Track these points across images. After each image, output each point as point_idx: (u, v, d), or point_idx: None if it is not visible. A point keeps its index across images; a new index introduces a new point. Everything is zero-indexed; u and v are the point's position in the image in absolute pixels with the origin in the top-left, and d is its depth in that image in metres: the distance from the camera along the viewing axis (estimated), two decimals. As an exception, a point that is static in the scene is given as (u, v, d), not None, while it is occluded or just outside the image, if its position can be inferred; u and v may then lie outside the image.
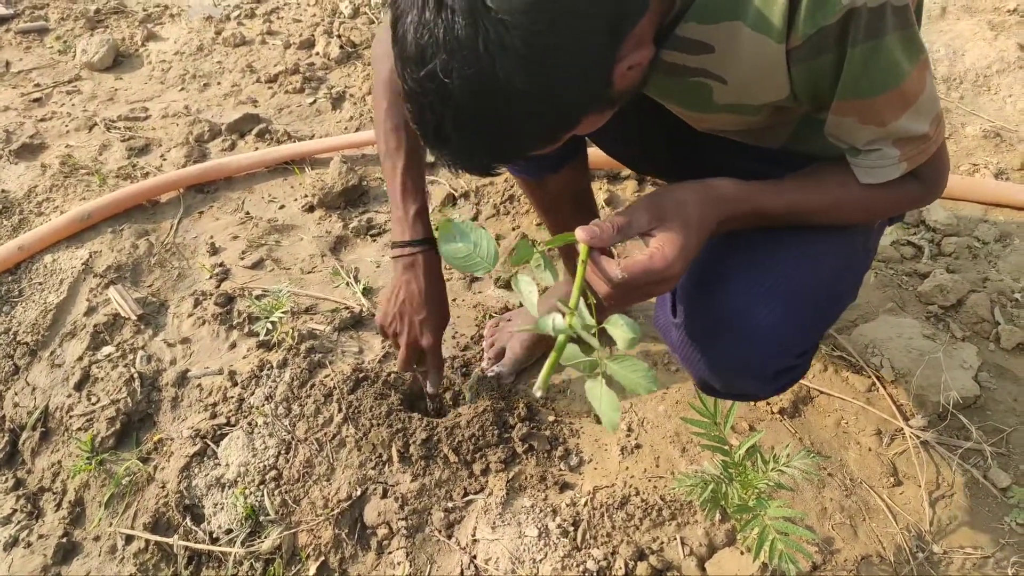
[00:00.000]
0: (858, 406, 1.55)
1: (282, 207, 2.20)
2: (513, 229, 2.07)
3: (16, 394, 1.82)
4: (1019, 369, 1.61)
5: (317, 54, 2.82)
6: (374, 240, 2.09)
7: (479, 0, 0.72)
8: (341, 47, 2.79)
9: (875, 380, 1.58)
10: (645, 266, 0.90)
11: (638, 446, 1.52)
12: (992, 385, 1.58)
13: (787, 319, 1.05)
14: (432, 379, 1.50)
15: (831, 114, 0.96)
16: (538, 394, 0.87)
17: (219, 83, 2.73)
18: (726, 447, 1.25)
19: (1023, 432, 1.50)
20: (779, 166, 1.11)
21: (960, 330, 1.69)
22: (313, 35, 2.90)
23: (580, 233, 0.90)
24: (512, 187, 2.14)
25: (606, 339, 0.87)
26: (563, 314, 0.87)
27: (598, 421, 1.58)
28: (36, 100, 2.68)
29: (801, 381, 1.60)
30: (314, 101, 2.61)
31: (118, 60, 2.87)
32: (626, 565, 1.33)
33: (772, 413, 1.57)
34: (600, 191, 2.12)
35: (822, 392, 1.59)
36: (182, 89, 2.71)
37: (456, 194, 2.18)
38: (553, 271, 0.95)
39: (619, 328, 0.86)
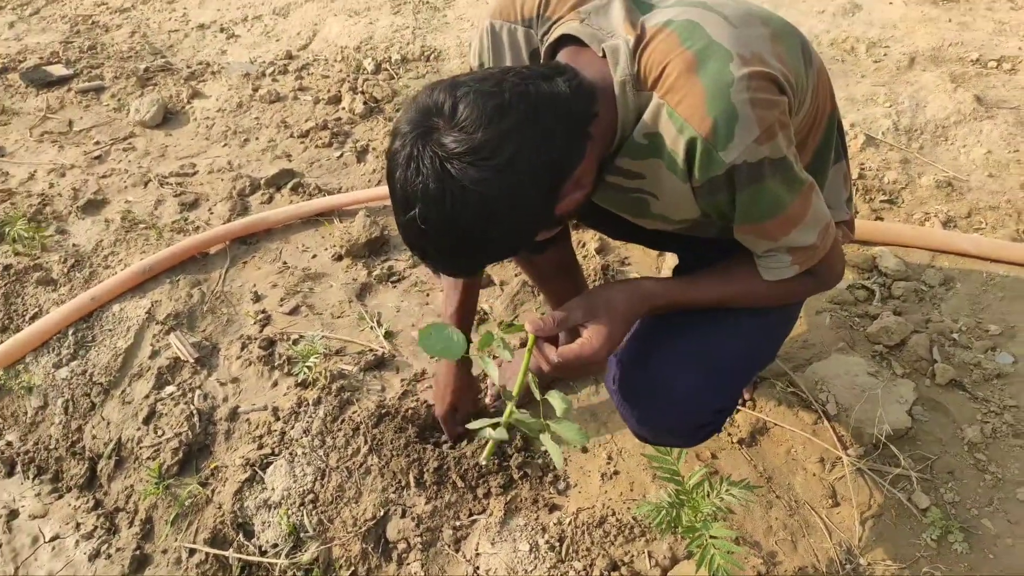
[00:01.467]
0: (805, 437, 1.81)
1: (314, 256, 2.51)
2: (515, 275, 2.35)
3: (93, 427, 2.15)
4: (950, 403, 1.86)
5: (343, 109, 3.13)
6: (394, 286, 2.38)
7: (445, 169, 1.01)
8: (365, 103, 3.10)
9: (821, 414, 1.84)
10: (576, 353, 1.19)
11: (616, 472, 1.80)
12: (925, 418, 1.83)
13: (702, 385, 1.32)
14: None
15: (735, 231, 1.23)
16: (483, 462, 1.19)
17: (257, 138, 3.05)
18: (679, 478, 1.52)
19: (946, 459, 1.75)
20: (718, 243, 1.39)
21: (901, 367, 1.94)
22: (340, 91, 3.21)
23: (528, 325, 1.19)
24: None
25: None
26: (494, 426, 1.18)
27: (584, 450, 1.86)
28: (96, 157, 3.03)
29: (757, 414, 1.87)
30: (341, 155, 2.92)
31: (167, 117, 3.21)
32: (601, 575, 1.61)
33: (732, 443, 1.84)
34: (592, 239, 2.40)
35: (776, 424, 1.85)
36: (225, 145, 3.04)
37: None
38: (509, 350, 1.25)
39: (556, 400, 1.17)
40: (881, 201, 2.38)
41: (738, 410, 1.89)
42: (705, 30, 1.12)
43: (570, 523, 1.71)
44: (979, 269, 2.13)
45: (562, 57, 1.21)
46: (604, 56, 1.15)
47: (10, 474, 2.17)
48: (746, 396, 1.92)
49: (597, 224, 1.78)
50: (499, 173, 1.01)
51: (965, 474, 1.71)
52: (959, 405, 1.84)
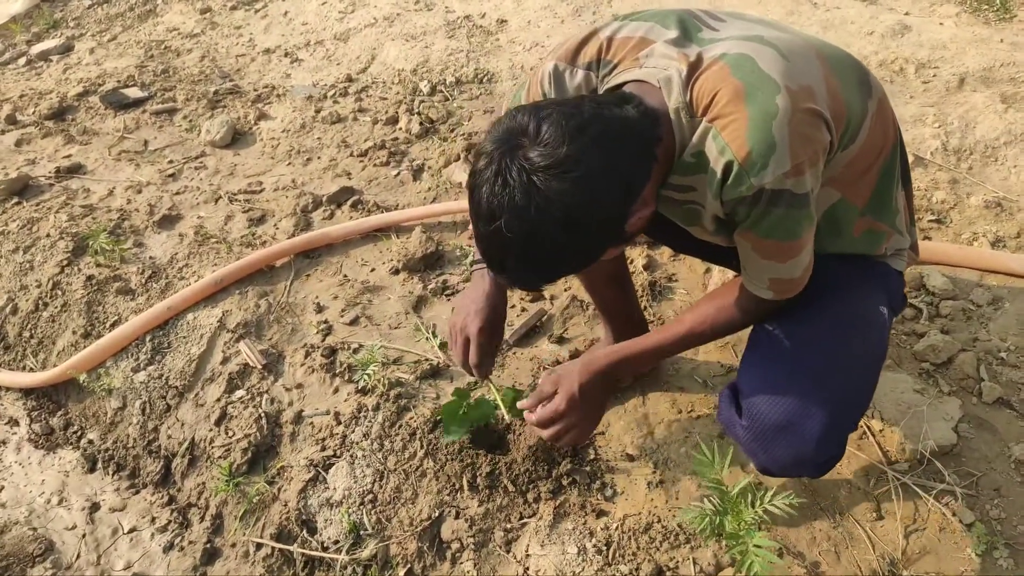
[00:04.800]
0: (850, 451, 1.85)
1: (373, 270, 2.63)
2: (565, 290, 2.43)
3: (168, 428, 2.29)
4: (997, 421, 1.87)
5: (400, 129, 3.27)
6: (448, 299, 2.49)
7: (531, 181, 1.12)
8: (421, 123, 3.23)
9: (866, 429, 1.88)
10: (545, 415, 1.51)
11: (662, 482, 1.86)
12: (971, 435, 1.85)
13: (833, 421, 1.37)
14: (478, 368, 1.68)
15: (735, 232, 1.33)
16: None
17: (319, 158, 3.21)
18: (723, 487, 1.58)
19: (992, 476, 1.77)
20: None
21: (947, 385, 1.96)
22: (397, 112, 3.35)
23: (520, 403, 1.58)
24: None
25: None
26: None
27: (630, 460, 1.93)
28: (171, 175, 3.21)
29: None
30: (398, 173, 3.05)
31: (235, 138, 3.39)
32: (646, 578, 1.67)
33: (777, 456, 1.88)
34: (640, 256, 2.47)
35: (821, 438, 1.89)
36: (289, 164, 3.20)
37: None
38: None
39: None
40: (929, 221, 2.40)
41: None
42: (757, 63, 1.21)
43: (617, 528, 1.77)
44: (1028, 289, 2.14)
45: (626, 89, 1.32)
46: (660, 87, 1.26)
47: (91, 470, 2.32)
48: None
49: (659, 236, 1.86)
50: (580, 185, 1.12)
51: (1012, 491, 1.73)
52: (1006, 423, 1.86)
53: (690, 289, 2.37)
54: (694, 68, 1.25)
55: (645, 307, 2.30)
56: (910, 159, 2.61)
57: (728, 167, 1.20)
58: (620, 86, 1.33)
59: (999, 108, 2.66)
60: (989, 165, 2.54)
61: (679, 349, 1.54)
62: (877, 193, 1.43)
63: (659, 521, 1.78)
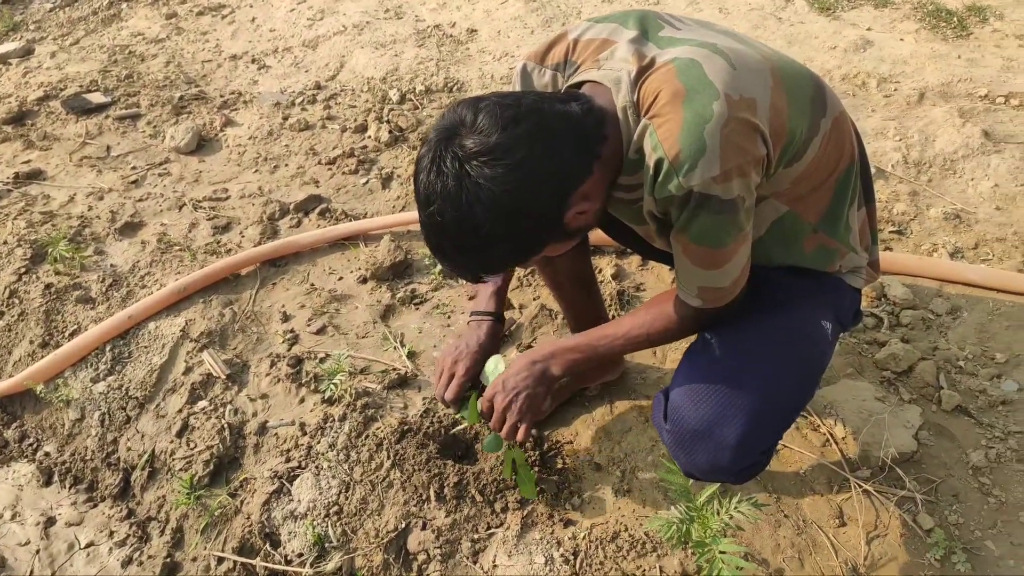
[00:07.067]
0: (813, 459, 1.87)
1: (340, 279, 2.61)
2: (534, 299, 2.43)
3: (128, 440, 2.24)
4: (956, 428, 1.91)
5: (369, 138, 3.25)
6: (417, 308, 2.47)
7: (464, 169, 1.16)
8: (390, 132, 3.22)
9: (829, 437, 1.90)
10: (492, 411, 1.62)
11: (629, 490, 1.86)
12: (930, 442, 1.88)
13: (751, 430, 1.38)
14: (454, 403, 1.80)
15: (671, 235, 1.34)
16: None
17: (287, 165, 3.18)
18: (690, 495, 1.59)
19: (951, 483, 1.80)
20: None
21: (908, 393, 1.99)
22: (366, 120, 3.34)
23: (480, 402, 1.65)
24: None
25: None
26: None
27: (598, 469, 1.93)
28: (133, 182, 3.16)
29: (767, 437, 1.93)
30: (367, 181, 3.03)
31: (201, 144, 3.35)
32: (613, 588, 1.67)
33: (742, 464, 1.89)
34: (608, 266, 2.48)
35: (785, 446, 1.91)
36: (256, 171, 3.16)
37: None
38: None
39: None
40: (890, 232, 2.44)
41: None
42: (703, 68, 1.24)
43: (584, 538, 1.77)
44: (985, 298, 2.19)
45: (582, 91, 1.35)
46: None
47: (47, 483, 2.26)
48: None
49: (627, 242, 1.87)
50: (510, 172, 1.16)
51: (969, 497, 1.76)
52: (964, 430, 1.89)
53: (657, 298, 2.38)
54: (644, 69, 1.29)
55: (613, 316, 2.31)
56: (871, 172, 2.66)
57: (659, 164, 1.24)
58: (579, 86, 1.36)
59: (957, 122, 2.73)
60: (948, 178, 2.60)
61: (616, 351, 1.57)
62: (830, 210, 1.45)
63: (626, 530, 1.78)
